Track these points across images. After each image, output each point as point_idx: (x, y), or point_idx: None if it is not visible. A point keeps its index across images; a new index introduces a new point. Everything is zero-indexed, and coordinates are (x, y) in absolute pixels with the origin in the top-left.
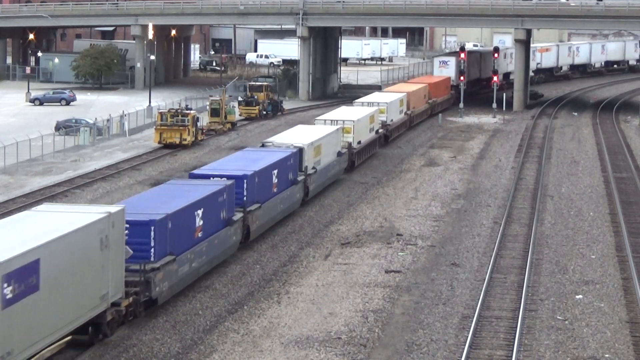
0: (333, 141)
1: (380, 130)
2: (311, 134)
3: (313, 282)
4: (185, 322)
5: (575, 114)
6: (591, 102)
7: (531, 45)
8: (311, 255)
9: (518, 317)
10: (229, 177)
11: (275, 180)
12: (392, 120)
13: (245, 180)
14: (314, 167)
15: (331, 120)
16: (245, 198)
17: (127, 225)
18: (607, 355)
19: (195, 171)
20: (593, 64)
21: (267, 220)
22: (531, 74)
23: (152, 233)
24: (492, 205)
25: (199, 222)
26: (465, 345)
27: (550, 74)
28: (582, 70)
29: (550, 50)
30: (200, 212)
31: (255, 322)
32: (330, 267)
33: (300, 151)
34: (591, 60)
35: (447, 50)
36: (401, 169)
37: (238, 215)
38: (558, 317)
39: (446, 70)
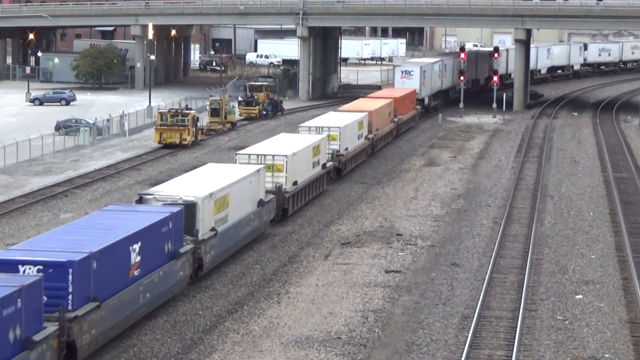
0: (251, 186)
1: (330, 164)
2: (217, 179)
3: (313, 282)
4: (185, 322)
5: (575, 114)
6: (591, 102)
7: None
8: (311, 255)
9: (518, 317)
10: (46, 265)
11: (135, 258)
12: (346, 148)
13: (70, 270)
14: (213, 229)
15: (257, 155)
16: (70, 297)
17: None
18: (607, 355)
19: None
20: (539, 70)
21: (114, 323)
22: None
23: None
24: (492, 205)
25: None
26: (465, 345)
27: (500, 81)
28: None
29: (500, 55)
30: None
31: (255, 322)
32: (330, 267)
33: (189, 208)
34: (537, 65)
35: (447, 50)
36: (401, 169)
37: (49, 330)
38: (558, 317)
39: (409, 81)
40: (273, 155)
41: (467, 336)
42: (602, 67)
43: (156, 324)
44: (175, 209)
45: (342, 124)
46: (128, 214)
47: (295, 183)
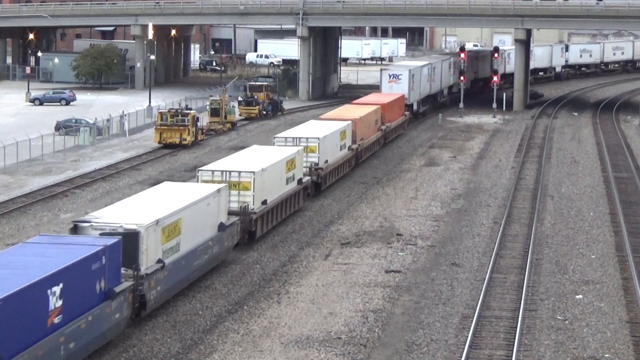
0: (210, 208)
1: (307, 178)
2: (168, 202)
3: (313, 282)
4: (185, 322)
5: (575, 114)
6: (591, 102)
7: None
8: (311, 255)
9: (518, 317)
10: None
11: (55, 303)
12: (326, 161)
13: None
14: (160, 261)
15: (222, 172)
16: None
17: None
18: (607, 355)
19: None
20: None
21: None
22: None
23: None
24: (492, 205)
25: None
26: (465, 345)
27: (484, 85)
28: (512, 80)
29: (485, 58)
30: None
31: (255, 322)
32: (330, 267)
33: (130, 238)
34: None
35: (447, 50)
36: (401, 169)
37: None
38: (558, 317)
39: (397, 85)
40: (239, 172)
41: (467, 336)
42: (582, 68)
43: (156, 324)
44: (110, 241)
45: (322, 134)
46: (52, 249)
47: (264, 202)
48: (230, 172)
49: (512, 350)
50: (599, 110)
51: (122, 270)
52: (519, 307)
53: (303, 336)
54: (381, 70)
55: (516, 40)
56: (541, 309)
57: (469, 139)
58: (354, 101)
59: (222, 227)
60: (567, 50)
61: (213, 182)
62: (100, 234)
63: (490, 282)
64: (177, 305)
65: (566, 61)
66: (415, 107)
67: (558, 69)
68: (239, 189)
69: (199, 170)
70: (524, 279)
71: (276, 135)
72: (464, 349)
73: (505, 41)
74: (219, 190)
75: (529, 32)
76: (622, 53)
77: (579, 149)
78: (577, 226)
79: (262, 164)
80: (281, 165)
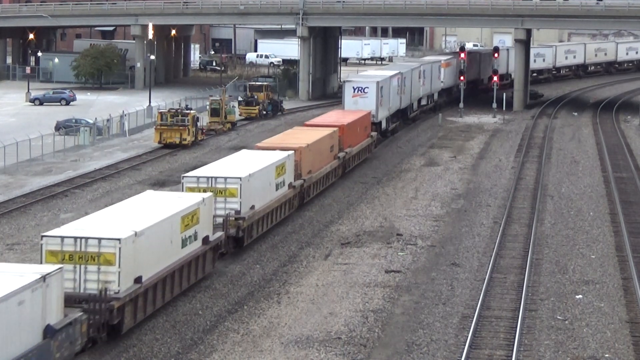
0: (25, 308)
1: (218, 235)
2: None
3: (313, 282)
4: (185, 322)
5: (575, 113)
6: (591, 102)
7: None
8: (311, 255)
9: (518, 317)
10: None
11: None
12: (252, 207)
13: None
14: None
15: (75, 239)
16: None
17: None
18: (607, 355)
19: None
20: (482, 79)
21: None
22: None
23: None
24: (492, 205)
25: None
26: (465, 345)
27: (448, 93)
28: (472, 87)
29: (451, 64)
30: None
31: (255, 322)
32: (330, 267)
33: None
34: (480, 75)
35: (447, 50)
36: (401, 169)
37: None
38: (558, 317)
39: (363, 100)
40: (99, 239)
41: (467, 336)
42: (534, 74)
43: (156, 324)
44: None
45: (247, 172)
46: None
47: (138, 280)
48: (87, 239)
49: (512, 350)
50: (599, 110)
51: None
52: (519, 307)
53: (303, 336)
54: (344, 82)
55: (516, 40)
56: (541, 309)
57: (469, 139)
58: (307, 122)
59: (49, 331)
60: None
61: (62, 253)
62: None
63: (490, 282)
64: (177, 305)
65: None
66: (384, 125)
67: (514, 75)
68: (98, 262)
69: (42, 236)
70: (524, 279)
71: (185, 175)
72: (464, 349)
73: (506, 41)
74: (44, 279)
75: (529, 32)
76: (574, 57)
77: (579, 149)
78: (577, 226)
79: (138, 223)
80: (173, 222)
